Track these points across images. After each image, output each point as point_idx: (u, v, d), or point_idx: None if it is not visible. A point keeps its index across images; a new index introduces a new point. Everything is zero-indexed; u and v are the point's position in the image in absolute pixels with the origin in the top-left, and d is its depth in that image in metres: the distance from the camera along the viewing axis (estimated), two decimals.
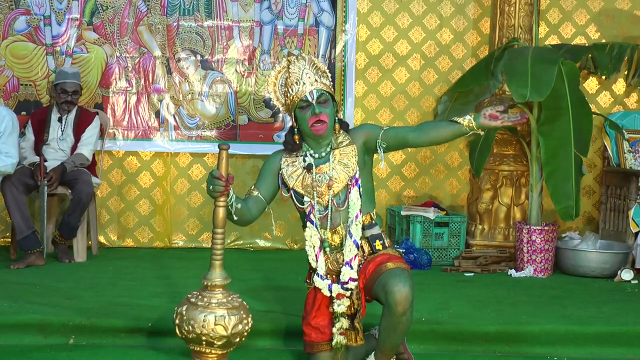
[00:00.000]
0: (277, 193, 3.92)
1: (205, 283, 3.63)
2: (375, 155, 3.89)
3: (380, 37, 6.92)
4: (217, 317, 3.56)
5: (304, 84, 3.75)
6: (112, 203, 6.80)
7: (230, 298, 3.64)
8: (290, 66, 3.80)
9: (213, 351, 3.61)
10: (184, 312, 3.61)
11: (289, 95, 3.80)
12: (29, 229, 5.82)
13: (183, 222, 6.87)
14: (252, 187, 3.88)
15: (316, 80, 3.76)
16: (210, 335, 3.56)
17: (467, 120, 3.62)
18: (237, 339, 3.62)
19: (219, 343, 3.58)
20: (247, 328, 3.65)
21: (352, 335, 3.81)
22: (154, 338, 4.31)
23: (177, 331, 3.64)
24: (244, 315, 3.64)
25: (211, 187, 3.57)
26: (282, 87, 3.85)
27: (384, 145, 3.78)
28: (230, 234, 6.84)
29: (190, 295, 3.66)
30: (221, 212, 3.61)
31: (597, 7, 6.97)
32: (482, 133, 3.64)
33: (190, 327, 3.56)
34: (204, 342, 3.58)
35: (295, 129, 3.83)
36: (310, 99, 3.74)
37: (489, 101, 6.54)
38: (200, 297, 3.62)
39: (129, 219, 6.82)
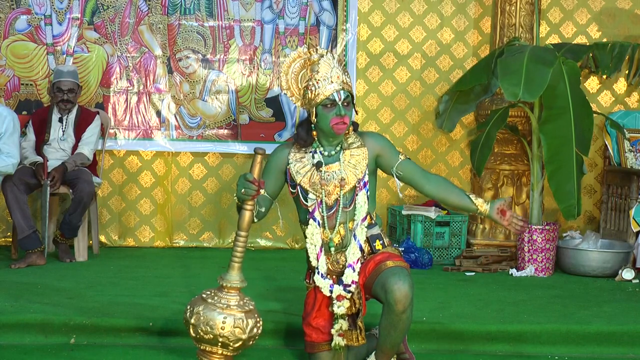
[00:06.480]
0: (282, 189, 3.89)
1: (223, 284, 3.60)
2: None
3: (381, 37, 6.91)
4: (236, 319, 3.54)
5: (331, 82, 3.68)
6: (113, 202, 6.80)
7: (244, 301, 3.62)
8: (320, 60, 3.72)
9: (224, 352, 3.58)
10: (200, 312, 3.55)
11: (313, 90, 3.70)
12: (29, 228, 5.82)
13: (184, 222, 6.87)
14: None
15: (344, 81, 3.70)
16: (229, 337, 3.53)
17: (482, 207, 3.78)
18: (251, 342, 3.61)
19: (236, 345, 3.56)
20: (259, 332, 3.64)
21: (353, 334, 3.78)
22: (155, 337, 4.30)
23: (191, 330, 3.57)
24: (258, 319, 3.64)
25: (243, 190, 3.53)
26: (300, 78, 3.77)
27: (400, 174, 3.81)
28: (230, 234, 6.84)
29: (205, 295, 3.61)
30: (247, 215, 3.59)
31: (598, 6, 6.96)
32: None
33: (208, 328, 3.52)
34: (219, 344, 3.55)
35: (313, 125, 3.76)
36: (337, 99, 3.68)
37: (490, 101, 6.54)
38: (217, 297, 3.57)
39: (130, 219, 6.82)
